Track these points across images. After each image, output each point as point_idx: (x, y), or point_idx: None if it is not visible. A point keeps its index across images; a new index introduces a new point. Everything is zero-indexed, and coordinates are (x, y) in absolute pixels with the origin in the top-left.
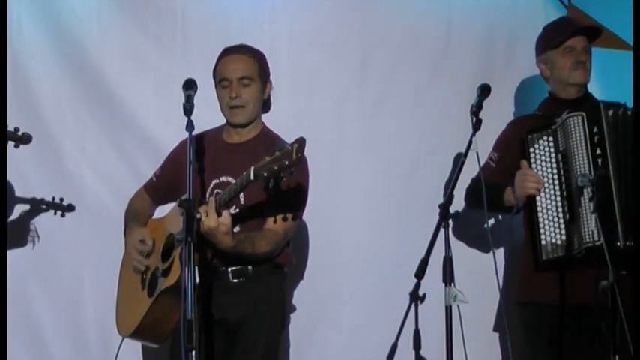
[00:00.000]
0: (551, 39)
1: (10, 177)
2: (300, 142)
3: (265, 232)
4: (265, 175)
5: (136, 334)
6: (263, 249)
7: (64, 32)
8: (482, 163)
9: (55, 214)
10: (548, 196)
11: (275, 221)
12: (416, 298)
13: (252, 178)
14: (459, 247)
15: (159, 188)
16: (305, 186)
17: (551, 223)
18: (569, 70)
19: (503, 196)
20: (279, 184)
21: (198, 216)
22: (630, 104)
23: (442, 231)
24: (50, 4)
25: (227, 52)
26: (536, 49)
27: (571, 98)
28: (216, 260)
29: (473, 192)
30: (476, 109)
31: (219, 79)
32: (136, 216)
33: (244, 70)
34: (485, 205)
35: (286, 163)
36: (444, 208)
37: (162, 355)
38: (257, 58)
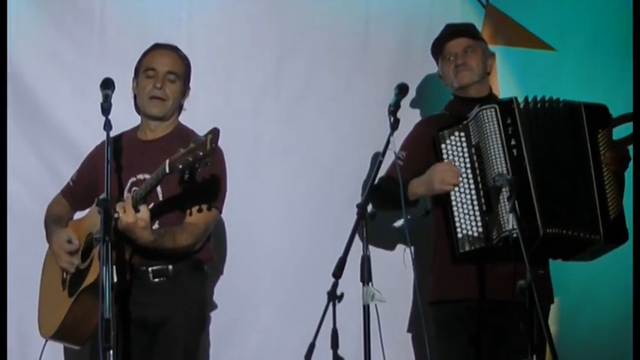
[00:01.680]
0: (434, 51)
1: None
2: (214, 133)
3: (185, 225)
4: (180, 166)
5: (57, 336)
6: (184, 242)
7: None
8: (387, 168)
9: None
10: (462, 189)
11: (191, 213)
12: (333, 297)
13: (167, 170)
14: (376, 247)
15: (77, 192)
16: (221, 177)
17: (467, 216)
18: (452, 75)
19: (408, 189)
20: (194, 176)
21: (116, 215)
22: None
23: (360, 230)
24: None
25: (159, 46)
26: None
27: (475, 97)
28: (137, 259)
29: (377, 191)
30: (394, 109)
31: (146, 69)
32: (56, 220)
33: (173, 66)
34: (403, 202)
35: (200, 153)
36: (362, 207)
37: (84, 356)
38: (186, 62)
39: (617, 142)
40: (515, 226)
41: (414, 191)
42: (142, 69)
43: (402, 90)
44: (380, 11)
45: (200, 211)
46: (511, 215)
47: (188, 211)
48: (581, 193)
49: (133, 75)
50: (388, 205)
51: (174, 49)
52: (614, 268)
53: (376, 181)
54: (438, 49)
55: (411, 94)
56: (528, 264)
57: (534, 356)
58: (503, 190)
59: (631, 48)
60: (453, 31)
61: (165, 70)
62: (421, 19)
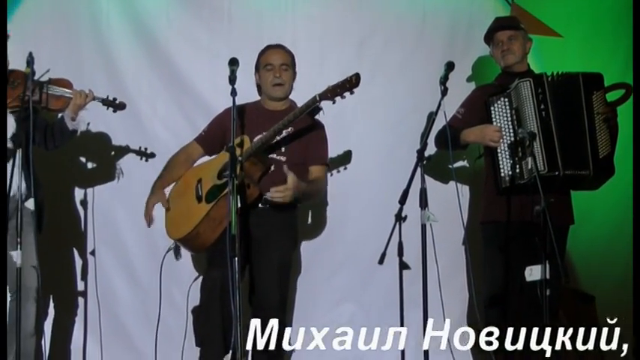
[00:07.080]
0: (486, 38)
1: (104, 130)
2: (357, 74)
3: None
4: (329, 95)
5: (187, 238)
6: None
7: (141, 24)
8: (448, 119)
9: (141, 159)
10: (504, 140)
11: (312, 170)
12: (399, 218)
13: (317, 98)
14: (432, 182)
15: (207, 139)
16: (326, 142)
17: (507, 161)
18: (500, 57)
19: (460, 136)
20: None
21: (240, 158)
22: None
23: (419, 169)
24: (130, 3)
25: (270, 47)
26: None
27: (517, 72)
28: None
29: (440, 135)
30: (443, 80)
31: (265, 64)
32: (185, 159)
33: (284, 59)
34: (450, 146)
35: (348, 85)
36: (421, 152)
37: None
38: (291, 54)
39: (609, 102)
40: (542, 166)
41: (464, 139)
42: (261, 65)
43: (449, 66)
44: (434, 7)
45: (321, 165)
46: (529, 159)
47: (311, 168)
48: (579, 140)
49: (254, 71)
50: (446, 145)
51: (281, 47)
52: (608, 192)
53: (439, 130)
54: (489, 36)
55: (459, 69)
56: (543, 193)
57: (546, 262)
58: (526, 141)
59: (621, 37)
60: (500, 25)
61: (279, 63)
62: (464, 14)
